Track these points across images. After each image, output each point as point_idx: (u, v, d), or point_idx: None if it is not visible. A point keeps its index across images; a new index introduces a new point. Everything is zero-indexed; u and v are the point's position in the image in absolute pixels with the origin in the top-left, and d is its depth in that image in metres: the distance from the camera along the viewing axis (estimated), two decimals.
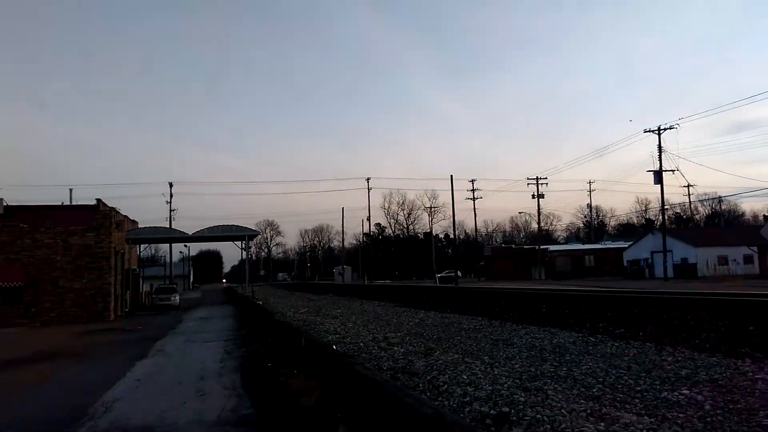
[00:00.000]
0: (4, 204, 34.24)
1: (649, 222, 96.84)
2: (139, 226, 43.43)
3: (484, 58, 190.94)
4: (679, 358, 9.84)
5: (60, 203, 41.00)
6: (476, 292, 26.11)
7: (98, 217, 30.48)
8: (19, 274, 28.09)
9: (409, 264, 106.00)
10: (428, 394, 7.35)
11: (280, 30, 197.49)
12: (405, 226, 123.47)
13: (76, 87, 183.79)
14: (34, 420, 8.01)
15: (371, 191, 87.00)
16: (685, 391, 7.31)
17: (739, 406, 6.65)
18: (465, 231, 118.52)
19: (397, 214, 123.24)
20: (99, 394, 9.63)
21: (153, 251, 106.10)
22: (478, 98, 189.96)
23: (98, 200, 35.84)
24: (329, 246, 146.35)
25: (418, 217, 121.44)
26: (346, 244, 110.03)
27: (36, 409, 8.83)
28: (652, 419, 6.04)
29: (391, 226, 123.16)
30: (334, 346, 10.55)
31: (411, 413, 4.81)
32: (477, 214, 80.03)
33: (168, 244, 69.04)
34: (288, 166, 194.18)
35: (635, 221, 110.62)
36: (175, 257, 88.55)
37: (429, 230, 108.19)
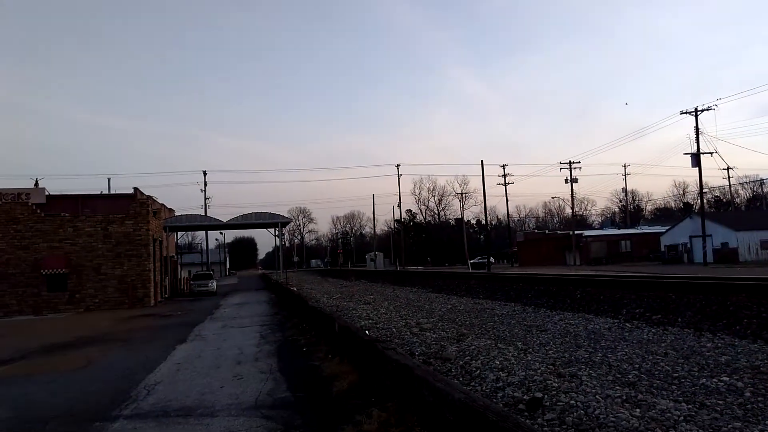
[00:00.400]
0: (46, 194, 35.37)
1: (688, 206, 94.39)
2: (176, 214, 44.37)
3: (514, 41, 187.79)
4: (719, 345, 9.65)
5: (99, 192, 42.13)
6: (509, 278, 25.95)
7: (136, 206, 31.23)
8: (62, 262, 29.05)
9: (441, 250, 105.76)
10: (461, 379, 7.39)
11: (309, 16, 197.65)
12: (436, 212, 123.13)
13: (112, 79, 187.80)
14: (80, 402, 8.32)
15: (401, 177, 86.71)
16: (724, 378, 7.17)
17: None
18: (497, 217, 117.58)
19: (428, 200, 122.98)
20: (141, 377, 9.96)
21: (190, 239, 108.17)
22: (508, 82, 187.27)
23: (135, 189, 36.68)
24: (361, 232, 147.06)
25: (449, 203, 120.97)
26: (377, 230, 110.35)
27: (82, 391, 9.18)
28: (689, 406, 5.95)
29: (422, 212, 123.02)
30: (367, 332, 10.64)
31: (442, 397, 4.85)
32: (509, 200, 79.27)
33: (204, 232, 70.21)
34: (319, 153, 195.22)
35: (673, 205, 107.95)
36: (211, 244, 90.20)
37: (460, 216, 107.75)
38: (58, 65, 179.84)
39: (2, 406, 8.33)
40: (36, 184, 41.02)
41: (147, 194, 36.63)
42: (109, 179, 61.15)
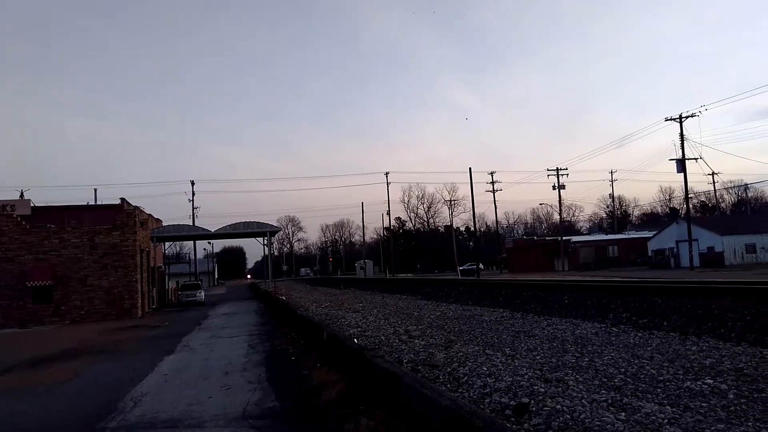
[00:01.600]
0: (31, 205, 35.04)
1: (674, 211, 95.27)
2: (163, 224, 44.07)
3: (503, 49, 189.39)
4: (704, 348, 9.77)
5: (85, 203, 41.78)
6: (498, 284, 26.04)
7: (122, 216, 31.02)
8: (48, 274, 28.74)
9: (431, 257, 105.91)
10: (448, 385, 7.40)
11: (299, 25, 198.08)
12: (425, 219, 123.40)
13: (98, 89, 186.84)
14: (67, 414, 8.24)
15: (390, 185, 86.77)
16: (708, 381, 7.25)
17: (764, 395, 6.59)
18: (486, 223, 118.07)
19: (417, 208, 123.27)
20: (128, 389, 9.87)
21: (177, 249, 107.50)
22: (497, 90, 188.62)
23: (122, 199, 36.46)
24: (350, 241, 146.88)
25: (438, 210, 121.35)
26: (367, 238, 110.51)
27: (68, 404, 9.09)
28: (674, 409, 6.01)
29: (411, 219, 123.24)
30: (356, 340, 10.64)
31: (430, 404, 4.87)
32: (498, 207, 79.62)
33: (192, 242, 69.75)
34: (307, 162, 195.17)
35: (659, 210, 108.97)
36: (200, 254, 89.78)
37: (449, 223, 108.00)
38: (44, 75, 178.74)
39: None
40: (21, 195, 40.56)
41: (134, 205, 36.41)
42: (95, 190, 61.15)
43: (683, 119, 49.12)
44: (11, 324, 27.97)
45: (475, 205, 62.80)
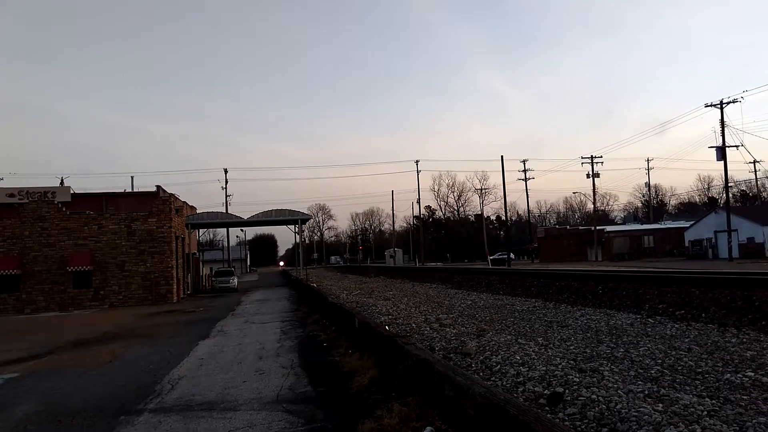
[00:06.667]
0: (71, 192, 36.03)
1: (712, 200, 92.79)
2: (198, 211, 44.84)
3: (537, 35, 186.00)
4: (744, 340, 9.52)
5: (122, 190, 42.79)
6: (529, 274, 25.80)
7: (158, 203, 31.64)
8: (87, 259, 29.58)
9: (461, 246, 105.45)
10: (481, 374, 7.39)
11: (328, 13, 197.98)
12: (455, 208, 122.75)
13: (136, 80, 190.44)
14: (106, 396, 8.49)
15: (420, 174, 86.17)
16: (749, 373, 7.07)
17: None
18: (517, 212, 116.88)
19: (447, 197, 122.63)
20: (165, 372, 10.12)
21: (211, 236, 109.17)
22: (530, 76, 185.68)
23: (158, 187, 37.20)
24: (380, 229, 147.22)
25: (468, 199, 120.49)
26: (396, 227, 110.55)
27: (108, 384, 9.36)
28: (713, 401, 5.88)
29: (441, 208, 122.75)
30: (387, 327, 10.69)
31: (463, 392, 4.86)
32: (529, 195, 78.78)
33: (225, 229, 70.79)
34: (338, 150, 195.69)
35: (697, 200, 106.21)
36: (232, 241, 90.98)
37: (480, 212, 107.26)
38: (83, 66, 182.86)
39: (32, 399, 8.54)
40: (61, 182, 41.80)
41: (169, 192, 37.11)
42: (132, 177, 62.53)
43: (724, 105, 47.60)
44: (53, 307, 28.95)
45: (506, 193, 62.17)
